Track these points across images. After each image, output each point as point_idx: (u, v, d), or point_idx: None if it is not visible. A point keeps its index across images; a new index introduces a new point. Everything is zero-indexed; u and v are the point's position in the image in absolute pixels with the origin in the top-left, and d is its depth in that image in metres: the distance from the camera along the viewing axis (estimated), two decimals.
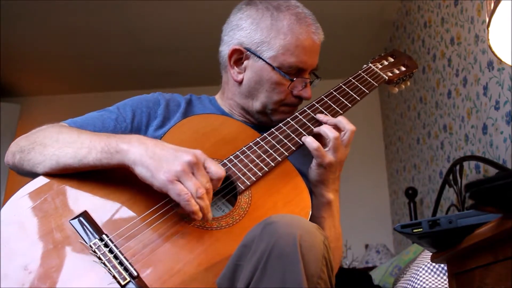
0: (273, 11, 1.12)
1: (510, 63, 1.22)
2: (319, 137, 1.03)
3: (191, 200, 0.82)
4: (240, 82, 1.15)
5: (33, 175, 0.92)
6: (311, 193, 1.05)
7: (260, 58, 1.11)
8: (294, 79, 1.11)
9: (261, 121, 1.17)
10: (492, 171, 1.72)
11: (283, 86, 1.11)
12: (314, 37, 1.13)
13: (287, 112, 1.14)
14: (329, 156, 1.00)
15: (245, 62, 1.13)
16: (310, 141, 1.01)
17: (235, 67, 1.15)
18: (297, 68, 1.11)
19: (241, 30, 1.14)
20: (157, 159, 0.84)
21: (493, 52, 1.22)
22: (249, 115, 1.18)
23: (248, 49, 1.12)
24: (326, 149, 1.00)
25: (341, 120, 1.03)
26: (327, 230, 1.04)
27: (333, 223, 1.06)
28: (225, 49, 1.17)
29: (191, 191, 0.82)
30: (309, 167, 1.04)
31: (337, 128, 1.03)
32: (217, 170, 0.87)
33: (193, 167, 0.84)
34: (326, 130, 1.01)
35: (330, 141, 1.00)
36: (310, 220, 1.01)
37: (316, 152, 1.00)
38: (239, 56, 1.14)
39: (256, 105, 1.14)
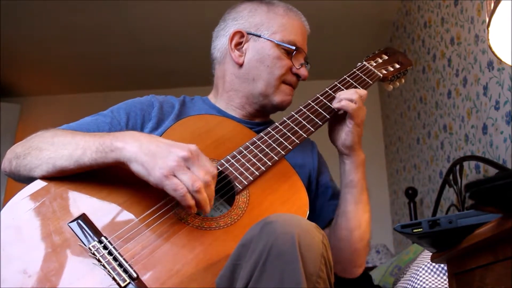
0: (267, 3, 1.22)
1: (510, 63, 1.22)
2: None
3: (187, 194, 0.82)
4: (241, 65, 1.17)
5: (30, 180, 0.92)
6: (308, 191, 1.06)
7: (261, 37, 1.17)
8: (294, 53, 1.16)
9: (262, 105, 1.19)
10: (492, 171, 1.72)
11: (284, 61, 1.16)
12: (305, 24, 1.23)
13: (287, 92, 1.19)
14: (361, 114, 1.06)
15: (245, 45, 1.18)
16: (345, 103, 1.05)
17: (235, 50, 1.18)
18: (294, 45, 1.17)
19: (238, 19, 1.20)
20: (151, 155, 0.84)
21: (493, 52, 1.21)
22: (249, 103, 1.19)
23: (248, 32, 1.18)
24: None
25: (342, 93, 1.08)
26: (365, 190, 1.10)
27: (366, 184, 1.12)
28: (221, 42, 1.22)
29: (187, 185, 0.82)
30: (343, 132, 1.07)
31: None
32: (209, 167, 0.86)
33: (188, 161, 0.84)
34: (347, 94, 1.07)
35: (356, 102, 1.05)
36: (351, 186, 1.08)
37: (355, 113, 1.04)
38: (239, 40, 1.18)
39: (257, 86, 1.16)
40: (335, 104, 1.08)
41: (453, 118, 2.22)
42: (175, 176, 0.83)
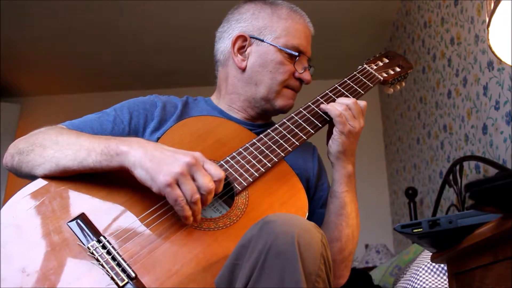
0: (271, 4, 1.20)
1: (510, 63, 1.22)
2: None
3: (185, 206, 0.83)
4: (243, 69, 1.17)
5: (31, 177, 0.92)
6: (307, 192, 1.06)
7: (264, 41, 1.15)
8: (297, 58, 1.15)
9: (264, 109, 1.19)
10: (492, 171, 1.72)
11: (286, 66, 1.15)
12: (309, 26, 1.22)
13: (289, 96, 1.18)
14: (349, 124, 1.03)
15: (248, 49, 1.17)
16: (332, 108, 1.05)
17: (238, 54, 1.18)
18: (298, 50, 1.16)
19: (242, 22, 1.19)
20: (156, 162, 0.84)
21: (493, 52, 1.21)
22: (251, 107, 1.19)
23: (251, 36, 1.17)
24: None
25: (339, 99, 1.08)
26: (349, 204, 1.07)
27: (354, 197, 1.09)
28: (224, 44, 1.21)
29: (187, 196, 0.83)
30: (330, 139, 1.06)
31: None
32: (216, 171, 0.86)
33: (192, 168, 0.84)
34: (334, 105, 1.06)
35: (346, 109, 1.04)
36: (333, 197, 1.06)
37: (339, 119, 1.03)
38: (242, 44, 1.17)
39: (260, 90, 1.16)
40: (321, 106, 1.08)
41: (453, 118, 2.22)
42: (177, 184, 0.83)
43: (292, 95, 1.18)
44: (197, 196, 0.83)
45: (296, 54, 1.15)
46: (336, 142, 1.05)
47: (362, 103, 1.07)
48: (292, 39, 1.16)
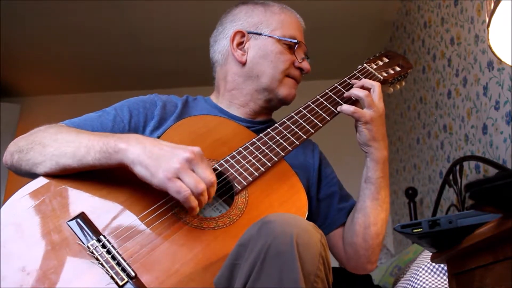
0: (262, 3, 1.24)
1: (510, 63, 1.22)
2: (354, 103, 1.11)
3: (190, 196, 0.83)
4: (244, 63, 1.19)
5: (32, 175, 0.92)
6: (308, 192, 1.06)
7: (261, 34, 1.19)
8: (296, 46, 1.19)
9: (267, 100, 1.20)
10: (492, 171, 1.72)
11: (287, 55, 1.18)
12: (301, 21, 1.26)
13: (291, 85, 1.20)
14: (369, 112, 1.05)
15: (247, 44, 1.19)
16: (345, 108, 1.07)
17: (237, 50, 1.20)
18: (295, 39, 1.20)
19: (236, 21, 1.22)
20: (155, 158, 0.84)
21: (493, 52, 1.21)
22: (253, 100, 1.20)
23: (248, 31, 1.20)
24: (364, 109, 1.06)
25: (366, 80, 1.11)
26: (384, 189, 1.09)
27: (388, 182, 1.11)
28: (221, 44, 1.23)
29: (191, 187, 0.83)
30: (357, 132, 1.08)
31: (364, 88, 1.10)
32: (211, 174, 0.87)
33: (191, 162, 0.84)
34: (355, 92, 1.08)
35: (364, 100, 1.06)
36: (369, 183, 1.08)
37: (356, 114, 1.05)
38: (240, 40, 1.20)
39: (262, 81, 1.18)
40: (338, 107, 1.10)
41: (453, 118, 2.22)
42: (178, 178, 0.83)
43: (294, 84, 1.21)
44: (203, 185, 0.83)
45: (295, 41, 1.18)
46: (363, 133, 1.07)
47: (375, 92, 1.08)
48: (288, 30, 1.20)
